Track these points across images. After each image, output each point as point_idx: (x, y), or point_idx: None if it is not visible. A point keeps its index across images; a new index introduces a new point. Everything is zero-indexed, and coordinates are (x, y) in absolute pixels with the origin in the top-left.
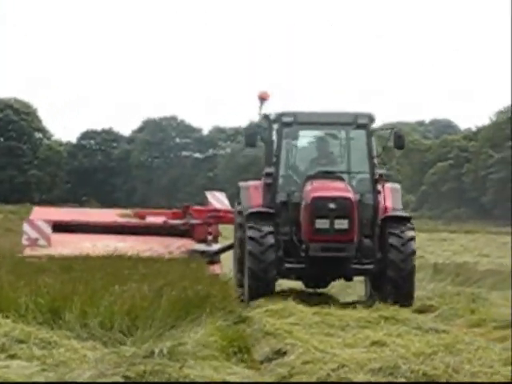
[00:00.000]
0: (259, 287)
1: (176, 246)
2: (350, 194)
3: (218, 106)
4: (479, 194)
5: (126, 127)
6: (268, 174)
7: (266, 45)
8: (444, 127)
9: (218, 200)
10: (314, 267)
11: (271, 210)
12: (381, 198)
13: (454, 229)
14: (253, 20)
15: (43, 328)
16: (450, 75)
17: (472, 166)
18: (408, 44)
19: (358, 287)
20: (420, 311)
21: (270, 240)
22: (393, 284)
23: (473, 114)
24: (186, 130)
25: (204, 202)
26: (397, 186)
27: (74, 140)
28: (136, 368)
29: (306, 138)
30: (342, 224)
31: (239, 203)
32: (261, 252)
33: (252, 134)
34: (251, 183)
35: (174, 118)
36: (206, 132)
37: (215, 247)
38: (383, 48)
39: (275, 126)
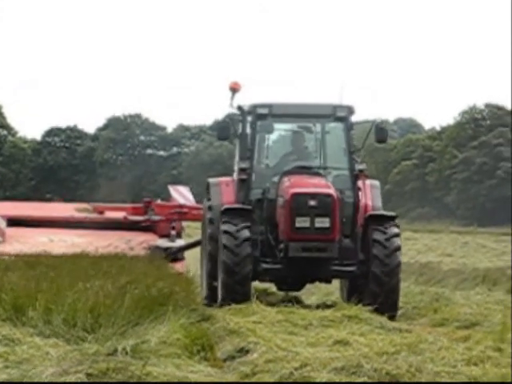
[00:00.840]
0: (235, 283)
1: (137, 242)
2: (332, 191)
3: (182, 104)
4: (443, 193)
5: (90, 125)
6: (242, 170)
7: (234, 38)
8: (408, 126)
9: (181, 195)
10: (293, 268)
11: (248, 207)
12: (361, 195)
13: (417, 228)
14: (216, 12)
15: (6, 325)
16: (414, 73)
17: (436, 165)
18: (373, 42)
19: (322, 289)
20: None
21: (245, 233)
22: (376, 282)
23: (437, 113)
24: (150, 127)
25: (168, 197)
26: (376, 182)
27: (38, 137)
28: (99, 366)
29: (281, 131)
30: (323, 222)
31: (209, 199)
32: (236, 245)
33: (225, 127)
34: (222, 179)
35: (138, 116)
36: (170, 130)
37: (179, 243)
38: (353, 43)
39: (249, 118)
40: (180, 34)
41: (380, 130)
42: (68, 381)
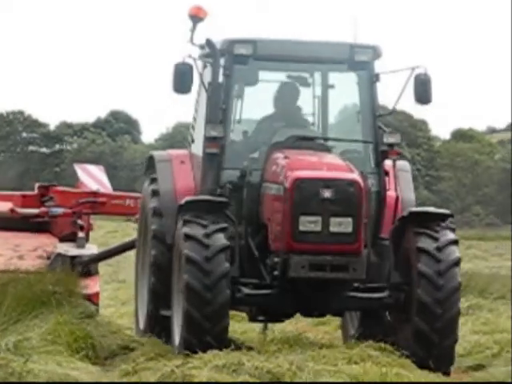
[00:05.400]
0: (204, 318)
1: (30, 248)
2: (357, 176)
3: (65, 102)
4: None
5: None
6: (211, 140)
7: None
8: None
9: (93, 178)
10: (293, 296)
11: (222, 199)
12: (389, 183)
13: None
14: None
15: None
16: None
17: None
18: None
19: None
20: None
21: (221, 240)
22: (423, 314)
23: None
24: (32, 124)
25: (74, 182)
26: (405, 164)
27: None
28: None
29: (268, 82)
30: (343, 225)
31: (153, 180)
32: (206, 259)
33: (184, 73)
34: (174, 153)
35: (20, 113)
36: (52, 127)
37: (91, 250)
38: None
39: (223, 62)
40: (67, 31)
41: (422, 84)
42: None
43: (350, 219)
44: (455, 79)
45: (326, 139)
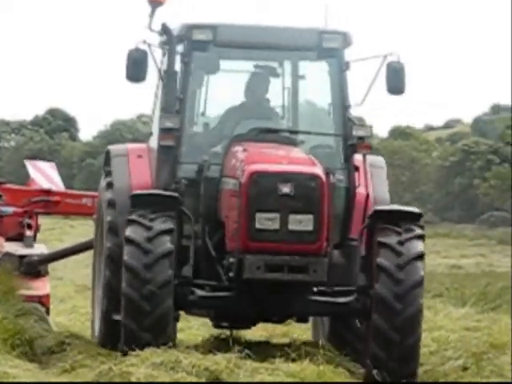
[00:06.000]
0: (141, 330)
1: None
2: (319, 170)
3: (1, 99)
4: None
5: None
6: (166, 132)
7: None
8: None
9: (44, 175)
10: (250, 299)
11: (173, 193)
12: (359, 179)
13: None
14: None
15: None
16: None
17: None
18: None
19: None
20: None
21: (166, 245)
22: (382, 312)
23: None
24: None
25: (24, 179)
26: (379, 159)
27: None
28: None
29: (230, 71)
30: (303, 222)
31: (108, 173)
32: (145, 266)
33: (139, 60)
34: (131, 147)
35: None
36: None
37: (40, 249)
38: None
39: (180, 48)
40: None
41: (395, 72)
42: None
43: (310, 216)
44: None
45: (291, 132)
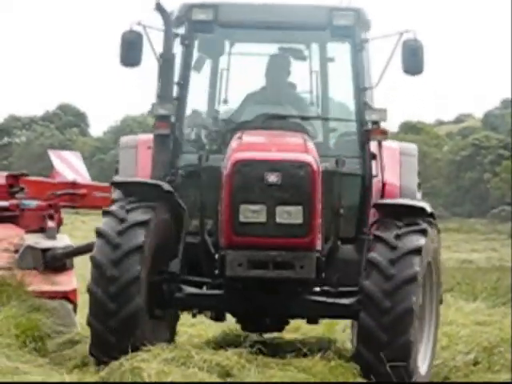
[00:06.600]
0: (106, 333)
1: None
2: (309, 158)
3: (13, 95)
4: None
5: None
6: (161, 119)
7: None
8: None
9: (70, 166)
10: (236, 297)
11: (160, 183)
12: (376, 166)
13: None
14: None
15: None
16: None
17: None
18: None
19: None
20: None
21: (138, 238)
22: (370, 310)
23: None
24: None
25: (48, 171)
26: (410, 147)
27: None
28: None
29: (242, 54)
30: (292, 214)
31: (116, 171)
32: (112, 262)
33: (133, 42)
34: (142, 138)
35: None
36: (0, 120)
37: (64, 241)
38: None
39: (180, 30)
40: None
41: (411, 51)
42: None
43: (299, 208)
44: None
45: (303, 118)
